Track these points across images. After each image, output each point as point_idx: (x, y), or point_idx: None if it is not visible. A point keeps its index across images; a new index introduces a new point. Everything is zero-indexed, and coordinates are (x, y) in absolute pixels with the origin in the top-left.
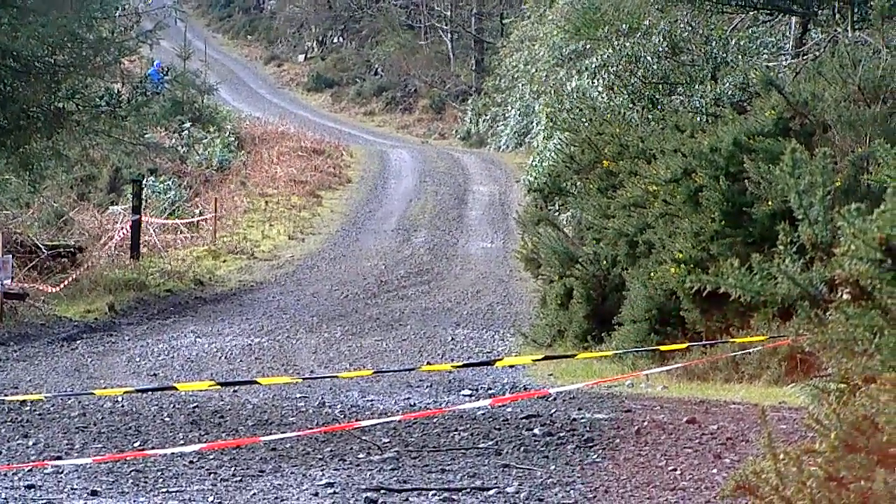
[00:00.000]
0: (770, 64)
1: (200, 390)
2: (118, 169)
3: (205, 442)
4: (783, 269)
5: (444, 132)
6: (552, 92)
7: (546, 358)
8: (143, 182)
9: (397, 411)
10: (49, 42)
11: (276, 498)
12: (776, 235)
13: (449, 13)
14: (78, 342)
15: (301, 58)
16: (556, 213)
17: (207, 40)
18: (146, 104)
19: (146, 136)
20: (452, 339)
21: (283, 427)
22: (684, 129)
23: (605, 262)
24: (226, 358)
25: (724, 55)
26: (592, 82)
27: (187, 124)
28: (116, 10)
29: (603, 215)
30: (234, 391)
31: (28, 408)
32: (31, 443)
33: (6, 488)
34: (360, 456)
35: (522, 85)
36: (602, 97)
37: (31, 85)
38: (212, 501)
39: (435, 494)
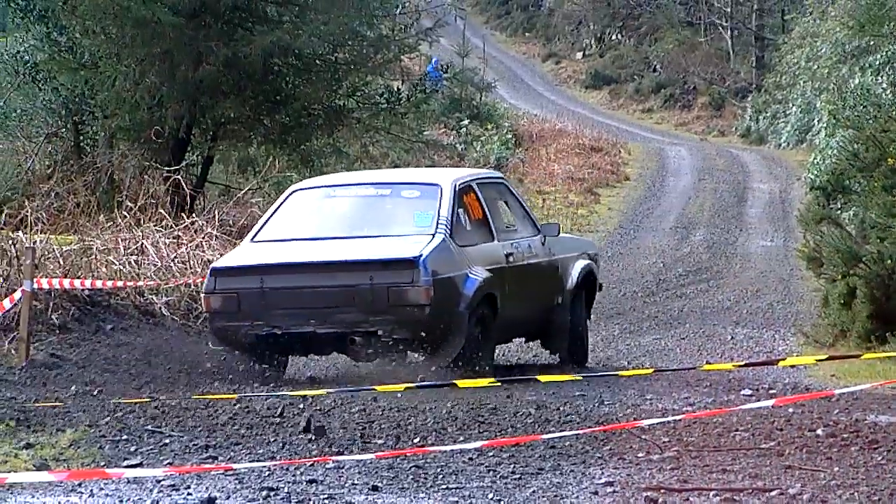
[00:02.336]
0: None
1: (479, 387)
2: (397, 166)
3: (485, 439)
4: None
5: (724, 129)
6: (835, 89)
7: (830, 358)
8: None
9: (676, 410)
10: (330, 40)
11: (556, 496)
12: None
13: (729, 10)
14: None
15: (579, 55)
16: (839, 212)
17: (485, 38)
18: (425, 101)
19: (425, 133)
20: (732, 338)
21: (561, 425)
22: None
23: (889, 261)
24: (501, 353)
25: None
26: (877, 79)
27: (465, 121)
28: (397, 8)
29: (888, 213)
30: (509, 388)
31: (310, 402)
32: (313, 438)
33: (289, 482)
34: (640, 455)
35: (804, 82)
36: (887, 94)
37: (312, 83)
38: (491, 499)
39: (716, 494)
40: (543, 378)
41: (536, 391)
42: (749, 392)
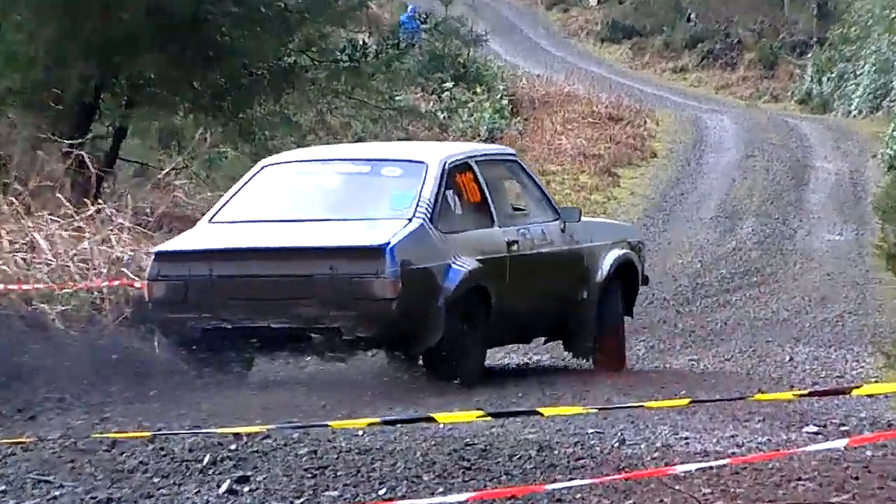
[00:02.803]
0: None
1: (465, 422)
2: (361, 139)
3: (471, 490)
4: None
5: (777, 93)
6: None
7: None
8: None
9: (720, 453)
10: None
11: None
12: None
13: None
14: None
15: (593, 1)
16: None
17: None
18: (398, 59)
19: (397, 98)
20: (791, 359)
21: (571, 471)
22: None
23: None
24: (499, 380)
25: None
26: None
27: (449, 84)
28: None
29: None
30: (503, 424)
31: (244, 442)
32: (247, 489)
33: None
34: None
35: (878, 34)
36: None
37: (256, 35)
38: None
39: None
40: (547, 411)
41: (538, 427)
42: (814, 429)
